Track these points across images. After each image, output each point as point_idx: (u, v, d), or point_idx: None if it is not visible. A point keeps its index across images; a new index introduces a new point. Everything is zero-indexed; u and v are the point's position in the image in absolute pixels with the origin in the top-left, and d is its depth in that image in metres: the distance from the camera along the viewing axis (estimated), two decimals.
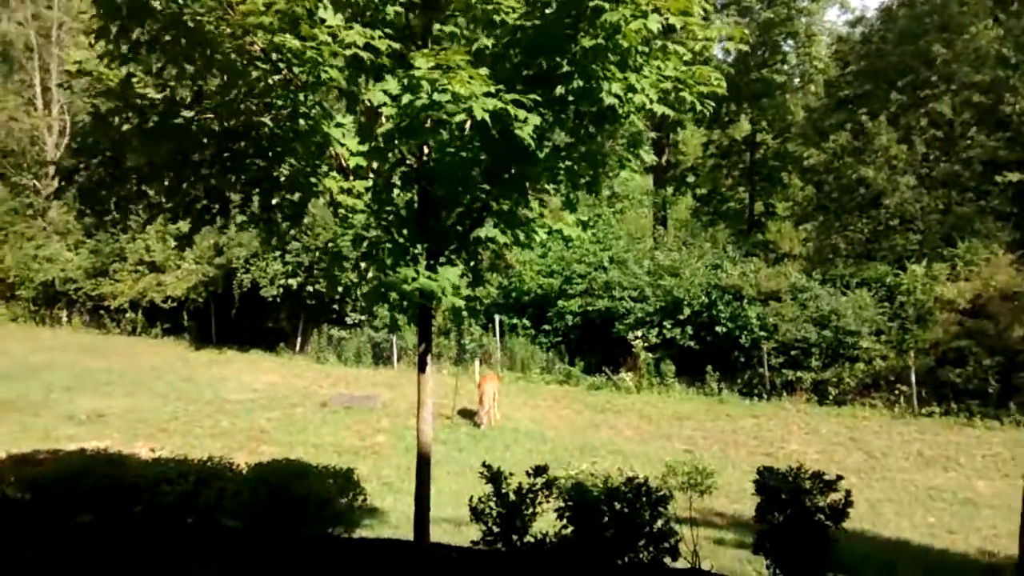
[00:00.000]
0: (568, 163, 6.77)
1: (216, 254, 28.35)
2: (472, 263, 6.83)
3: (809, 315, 23.58)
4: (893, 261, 25.06)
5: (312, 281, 27.46)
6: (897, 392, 22.28)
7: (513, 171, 6.54)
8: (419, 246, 6.59)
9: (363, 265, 6.83)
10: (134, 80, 6.71)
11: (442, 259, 6.67)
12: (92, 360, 26.58)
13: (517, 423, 20.56)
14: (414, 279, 6.24)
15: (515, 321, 27.39)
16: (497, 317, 27.19)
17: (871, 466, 18.08)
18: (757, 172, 36.33)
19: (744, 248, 28.20)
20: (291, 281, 27.45)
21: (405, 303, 6.50)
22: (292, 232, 7.54)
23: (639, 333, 24.92)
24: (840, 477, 6.66)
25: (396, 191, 6.97)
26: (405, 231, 6.68)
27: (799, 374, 23.20)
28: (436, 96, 5.34)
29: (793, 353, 23.33)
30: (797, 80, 37.19)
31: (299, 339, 28.92)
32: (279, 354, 28.81)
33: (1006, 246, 24.13)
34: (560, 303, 26.82)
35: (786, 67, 36.16)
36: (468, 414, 20.52)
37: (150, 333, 31.96)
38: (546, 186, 6.86)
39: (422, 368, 7.38)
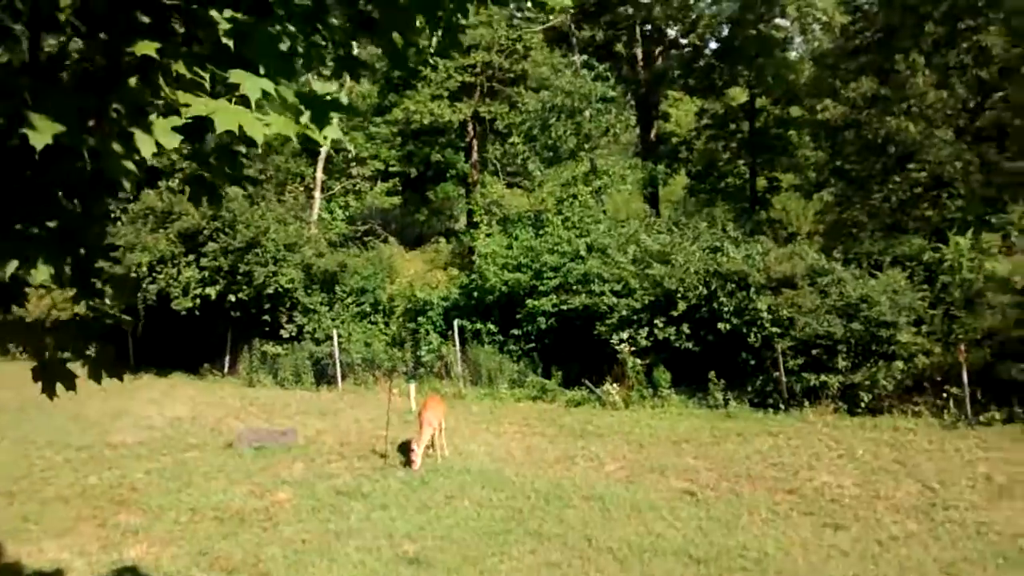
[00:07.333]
0: None
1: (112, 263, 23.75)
2: None
3: (832, 304, 19.08)
4: (930, 233, 20.55)
5: (235, 289, 23.07)
6: (946, 395, 17.94)
7: None
8: None
9: None
10: None
11: None
12: None
13: (471, 460, 16.13)
14: None
15: (478, 326, 22.92)
16: (456, 322, 22.73)
17: (930, 502, 13.61)
18: (758, 142, 31.85)
19: (747, 227, 23.68)
20: (208, 290, 23.00)
21: None
22: None
23: (625, 335, 20.43)
24: None
25: None
26: None
27: (823, 378, 18.68)
28: None
29: (815, 352, 18.83)
30: (799, 38, 32.79)
31: (227, 358, 24.46)
32: (204, 377, 24.36)
33: None
34: (530, 302, 22.31)
35: (785, 20, 31.65)
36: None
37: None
38: None
39: None
